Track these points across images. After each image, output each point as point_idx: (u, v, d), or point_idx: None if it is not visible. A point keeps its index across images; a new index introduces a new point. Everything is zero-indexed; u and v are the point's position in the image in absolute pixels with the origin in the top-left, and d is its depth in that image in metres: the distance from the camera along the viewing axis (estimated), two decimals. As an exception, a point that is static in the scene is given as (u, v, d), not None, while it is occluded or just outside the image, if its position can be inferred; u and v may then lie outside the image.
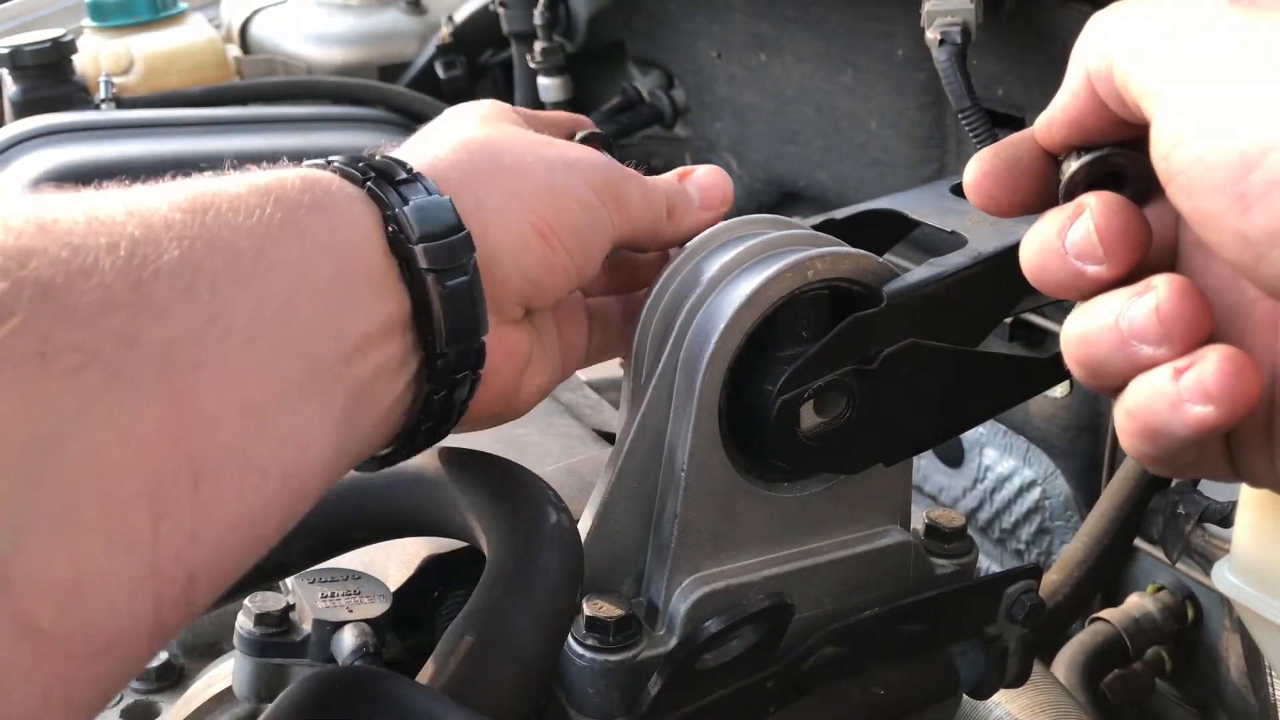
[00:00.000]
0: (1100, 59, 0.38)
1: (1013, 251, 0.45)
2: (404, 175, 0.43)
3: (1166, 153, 0.36)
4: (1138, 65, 0.37)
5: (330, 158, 0.45)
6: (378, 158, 0.44)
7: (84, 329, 0.32)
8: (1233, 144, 0.33)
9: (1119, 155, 0.41)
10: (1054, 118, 0.42)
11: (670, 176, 0.55)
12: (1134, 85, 0.37)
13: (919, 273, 0.50)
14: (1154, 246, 0.40)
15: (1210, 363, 0.35)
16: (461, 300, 0.42)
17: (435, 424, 0.45)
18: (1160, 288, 0.37)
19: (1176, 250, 0.42)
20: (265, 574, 0.50)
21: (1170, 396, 0.36)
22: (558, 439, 0.65)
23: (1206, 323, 0.37)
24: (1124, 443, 0.38)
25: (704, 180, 0.55)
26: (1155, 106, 0.36)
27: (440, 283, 0.42)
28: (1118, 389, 0.38)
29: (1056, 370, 0.54)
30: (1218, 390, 0.35)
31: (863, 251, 0.49)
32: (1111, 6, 0.39)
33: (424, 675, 0.40)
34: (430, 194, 0.43)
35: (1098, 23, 0.39)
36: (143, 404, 0.33)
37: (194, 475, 0.34)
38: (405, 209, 0.42)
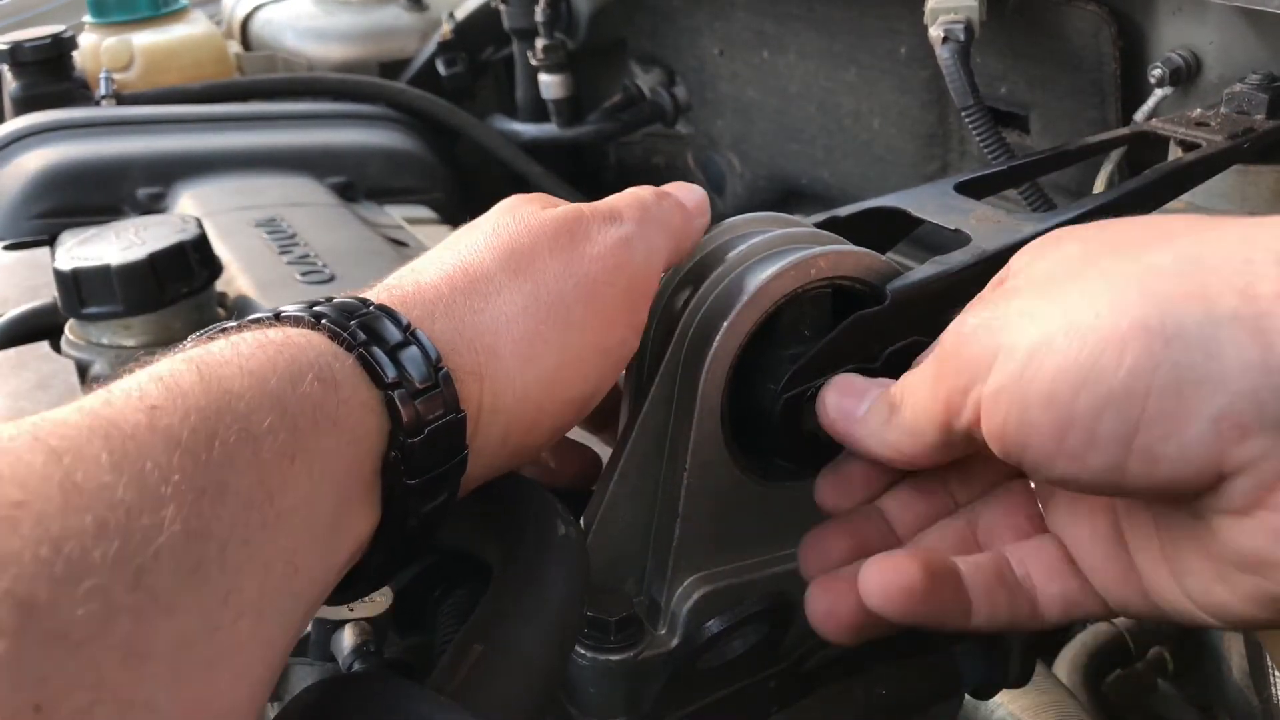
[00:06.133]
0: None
1: (1016, 250, 0.45)
2: (423, 385, 0.38)
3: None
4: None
5: (363, 316, 0.39)
6: (409, 349, 0.39)
7: (84, 653, 0.26)
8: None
9: None
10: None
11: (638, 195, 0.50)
12: None
13: (922, 271, 0.50)
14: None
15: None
16: (434, 516, 0.40)
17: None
18: None
19: None
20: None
21: None
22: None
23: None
24: None
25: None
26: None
27: (419, 509, 0.39)
28: None
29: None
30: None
31: (866, 250, 0.49)
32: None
33: (431, 684, 0.40)
34: (447, 413, 0.39)
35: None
36: None
37: None
38: (418, 440, 0.38)
